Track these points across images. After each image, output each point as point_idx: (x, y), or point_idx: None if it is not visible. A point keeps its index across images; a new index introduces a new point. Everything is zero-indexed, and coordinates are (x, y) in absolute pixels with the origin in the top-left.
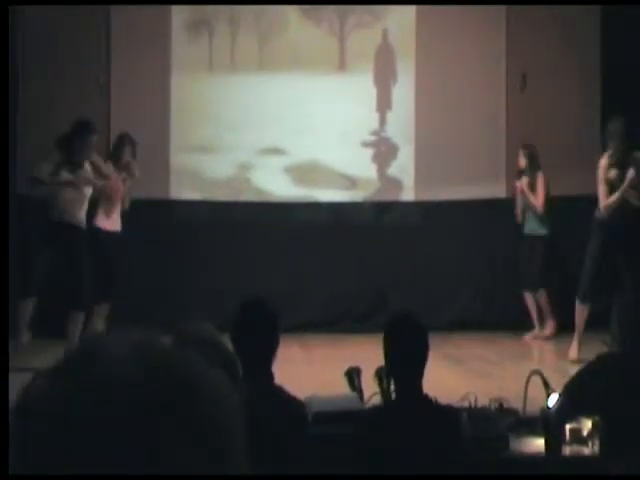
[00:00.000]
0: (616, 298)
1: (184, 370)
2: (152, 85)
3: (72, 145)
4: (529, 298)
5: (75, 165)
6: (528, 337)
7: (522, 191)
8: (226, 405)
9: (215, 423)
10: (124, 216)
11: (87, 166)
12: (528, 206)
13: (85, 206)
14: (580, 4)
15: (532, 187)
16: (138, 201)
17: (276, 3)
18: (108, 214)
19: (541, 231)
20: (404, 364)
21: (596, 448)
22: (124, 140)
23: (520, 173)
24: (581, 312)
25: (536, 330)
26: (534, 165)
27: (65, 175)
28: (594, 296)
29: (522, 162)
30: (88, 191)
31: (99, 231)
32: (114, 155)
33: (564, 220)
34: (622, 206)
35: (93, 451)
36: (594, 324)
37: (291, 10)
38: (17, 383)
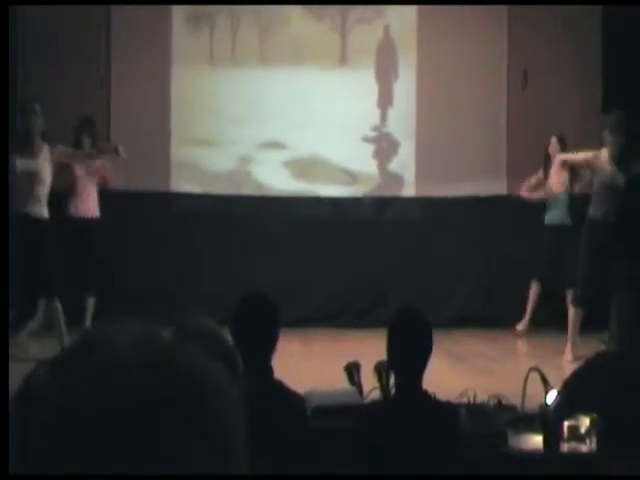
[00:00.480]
0: (615, 298)
1: (185, 363)
2: (153, 78)
3: (20, 131)
4: (535, 288)
5: (29, 149)
6: (520, 327)
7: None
8: (226, 398)
9: (215, 416)
10: (122, 207)
11: (46, 151)
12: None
13: (43, 195)
14: (581, 4)
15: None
16: (138, 193)
17: (277, 3)
18: (81, 200)
19: (568, 221)
20: (407, 359)
21: (594, 445)
22: (81, 125)
23: (548, 158)
24: (575, 316)
25: (526, 320)
26: (566, 149)
27: (22, 162)
28: (589, 299)
29: (554, 149)
30: (45, 181)
31: (73, 219)
32: (75, 140)
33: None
34: (617, 208)
35: (93, 440)
36: (590, 324)
37: (292, 5)
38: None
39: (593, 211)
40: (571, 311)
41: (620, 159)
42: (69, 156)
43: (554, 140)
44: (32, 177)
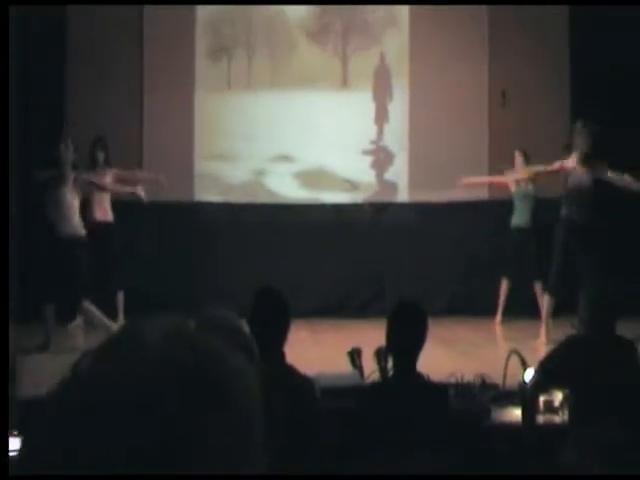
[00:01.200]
0: (583, 288)
1: (208, 352)
2: (179, 102)
3: (55, 162)
4: (505, 285)
5: (62, 178)
6: (497, 321)
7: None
8: (245, 382)
9: (236, 398)
10: (153, 215)
11: (73, 179)
12: (523, 198)
13: (74, 216)
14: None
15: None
16: (167, 203)
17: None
18: (96, 207)
19: (530, 224)
20: (403, 345)
21: (566, 417)
22: (95, 142)
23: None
24: (548, 304)
25: (499, 313)
26: (528, 161)
27: (53, 191)
28: (560, 289)
29: (517, 162)
30: (75, 204)
31: (92, 223)
32: (91, 155)
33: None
34: (583, 208)
35: (129, 421)
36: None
37: (299, 35)
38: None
39: (564, 210)
40: (544, 299)
41: (586, 162)
42: (92, 182)
43: (517, 154)
44: (63, 202)
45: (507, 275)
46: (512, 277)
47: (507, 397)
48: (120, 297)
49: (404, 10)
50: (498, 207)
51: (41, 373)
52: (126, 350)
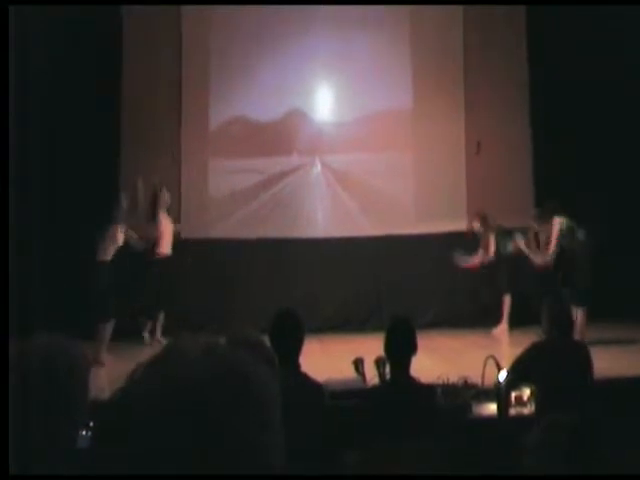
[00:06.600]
0: (544, 304)
1: (238, 365)
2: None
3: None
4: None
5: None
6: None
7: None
8: (268, 389)
9: (261, 402)
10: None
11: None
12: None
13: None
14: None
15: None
16: (203, 240)
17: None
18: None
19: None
20: (398, 354)
21: (532, 409)
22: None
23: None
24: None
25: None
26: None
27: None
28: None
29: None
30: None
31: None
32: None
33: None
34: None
35: (173, 417)
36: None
37: (308, 99)
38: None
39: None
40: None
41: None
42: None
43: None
44: None
45: (507, 291)
46: (512, 293)
47: (485, 394)
48: (161, 316)
49: (408, 77)
50: (473, 235)
51: (103, 380)
52: (171, 362)
